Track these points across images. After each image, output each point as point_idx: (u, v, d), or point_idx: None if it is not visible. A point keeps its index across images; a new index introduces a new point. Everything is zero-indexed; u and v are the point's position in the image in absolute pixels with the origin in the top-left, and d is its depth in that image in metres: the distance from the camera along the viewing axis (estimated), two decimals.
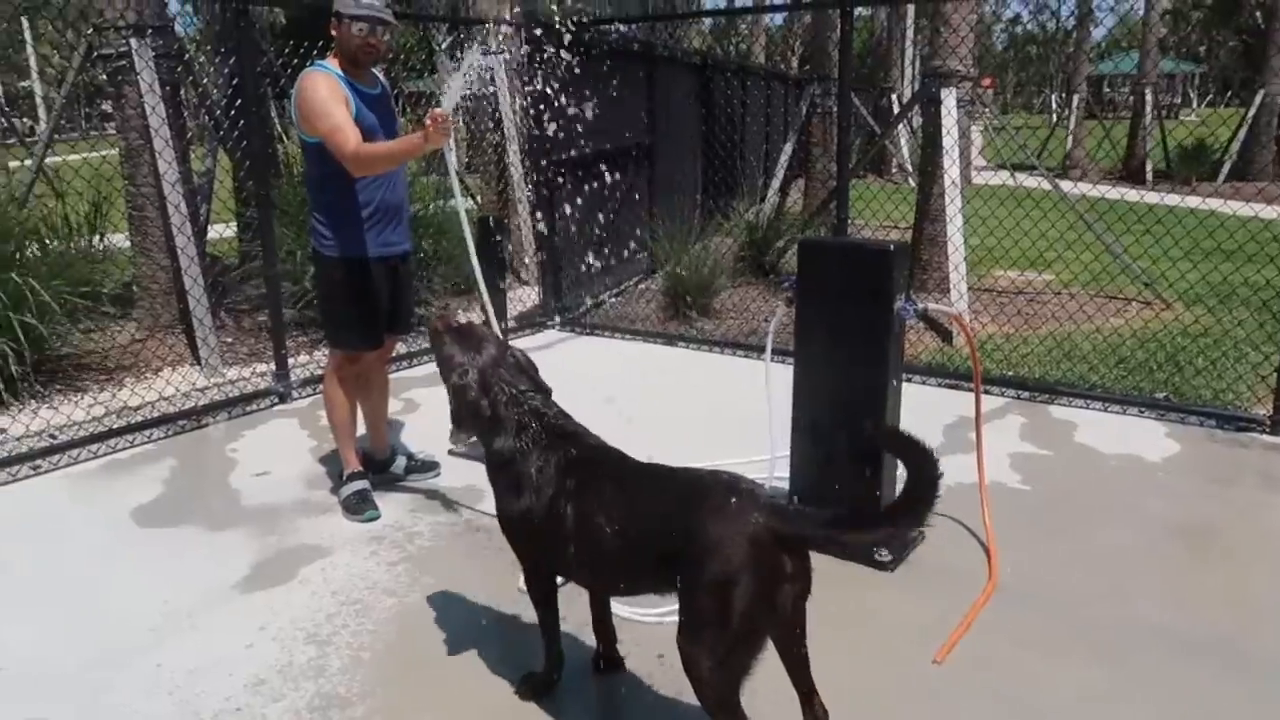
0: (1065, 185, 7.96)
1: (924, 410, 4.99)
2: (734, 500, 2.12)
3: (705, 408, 5.13)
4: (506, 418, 2.50)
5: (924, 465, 2.07)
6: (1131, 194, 13.31)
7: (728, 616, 2.07)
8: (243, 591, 3.32)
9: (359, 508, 3.87)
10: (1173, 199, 7.67)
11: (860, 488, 3.49)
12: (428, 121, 3.31)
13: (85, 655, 2.93)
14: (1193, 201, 7.15)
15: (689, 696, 2.24)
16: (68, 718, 2.65)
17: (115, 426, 4.83)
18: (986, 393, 5.42)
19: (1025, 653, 2.91)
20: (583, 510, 2.34)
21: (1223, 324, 6.71)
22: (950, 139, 6.89)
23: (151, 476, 4.35)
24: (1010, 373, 5.75)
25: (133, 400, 5.27)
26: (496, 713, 2.64)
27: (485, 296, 3.76)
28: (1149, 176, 18.81)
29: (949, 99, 6.84)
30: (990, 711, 2.65)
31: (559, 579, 2.63)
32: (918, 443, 2.11)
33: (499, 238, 4.35)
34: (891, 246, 3.32)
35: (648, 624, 3.01)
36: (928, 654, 2.88)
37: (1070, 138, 21.38)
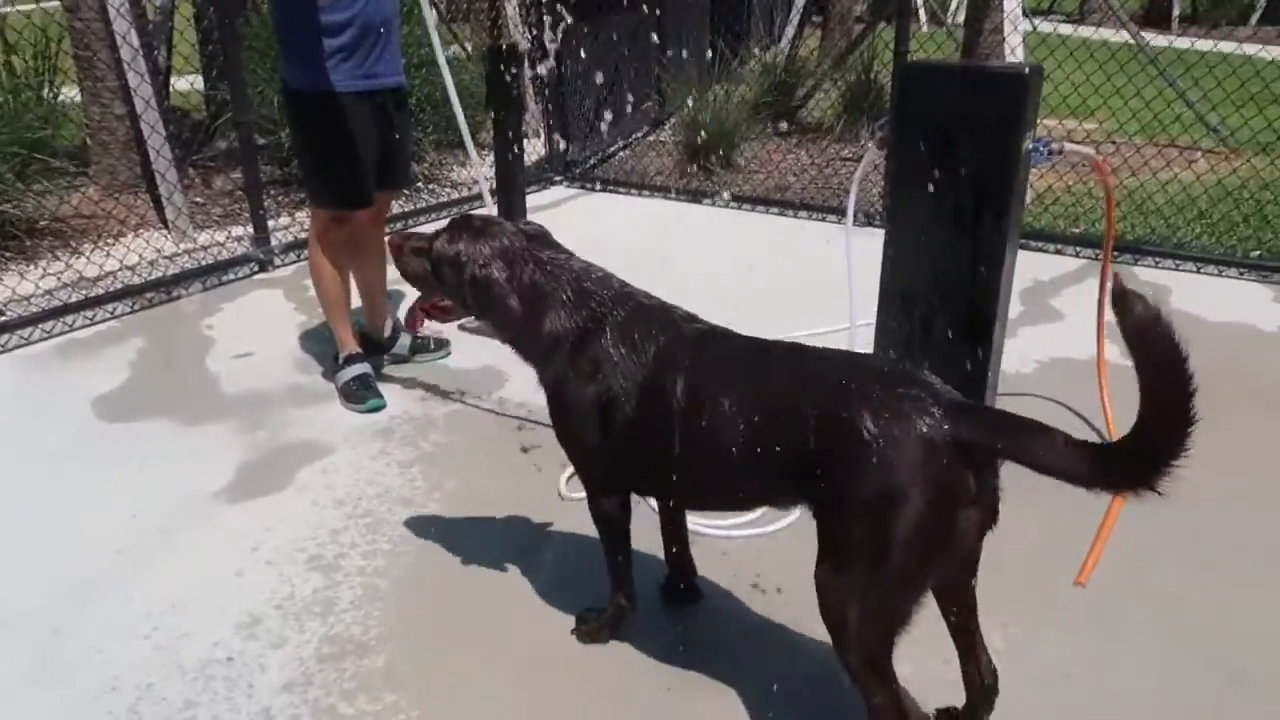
0: (1082, 30, 7.15)
1: None
2: (904, 391, 1.60)
3: (750, 271, 4.49)
4: (552, 292, 1.95)
5: (1173, 373, 1.41)
6: (1157, 39, 12.33)
7: (889, 548, 1.58)
8: (228, 502, 2.76)
9: (360, 395, 3.30)
10: (1202, 44, 6.93)
11: (963, 371, 2.93)
12: None
13: (42, 586, 2.39)
14: (1225, 47, 6.39)
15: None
16: (25, 666, 2.12)
17: (72, 301, 4.18)
18: (1059, 253, 4.87)
19: (1187, 573, 2.42)
20: (688, 399, 1.79)
21: None
22: None
23: (115, 359, 3.73)
24: (1080, 229, 5.13)
25: (91, 270, 4.58)
26: (550, 658, 2.14)
27: (470, 146, 3.05)
28: (1175, 21, 17.69)
29: None
30: (1150, 639, 2.17)
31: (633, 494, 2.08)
32: (1173, 338, 1.40)
33: (515, 71, 3.60)
34: (1027, 69, 2.63)
35: (725, 539, 2.48)
36: (1066, 573, 2.39)
37: None
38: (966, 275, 2.83)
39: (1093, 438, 2.99)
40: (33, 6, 7.40)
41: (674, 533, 2.21)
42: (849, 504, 1.61)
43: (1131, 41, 6.41)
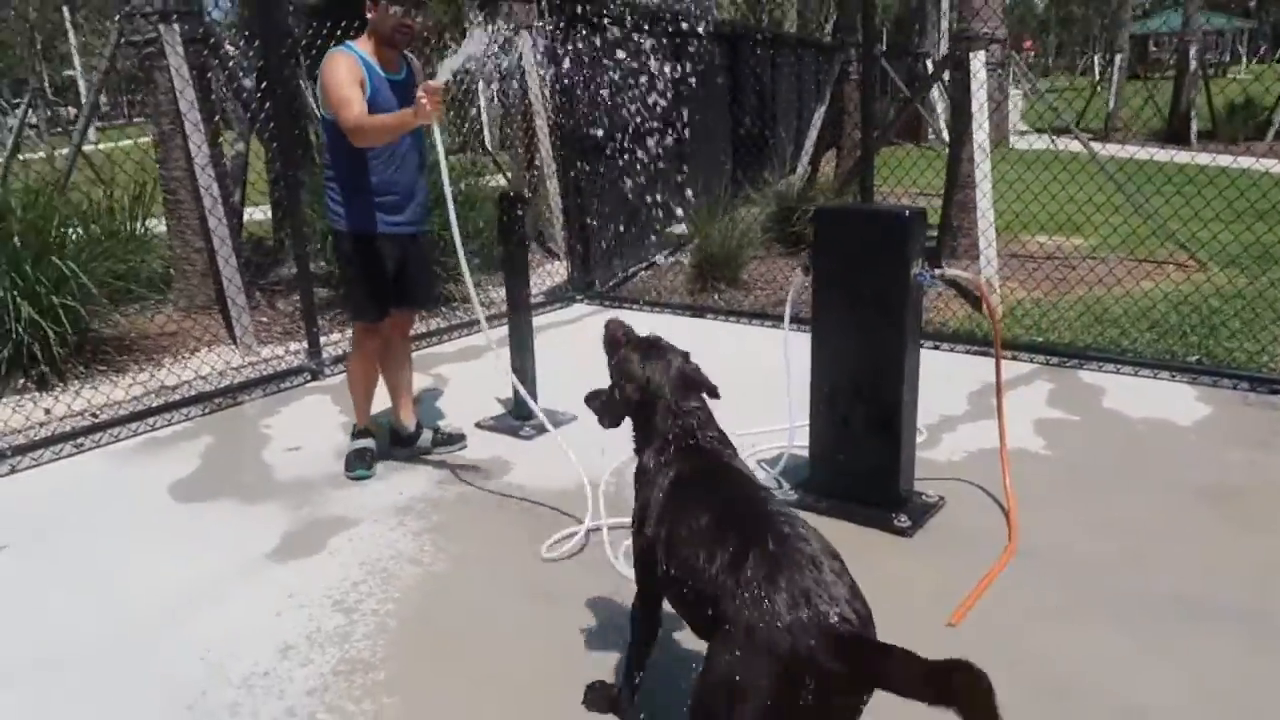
0: (1107, 148, 7.80)
1: (950, 377, 4.99)
2: (793, 611, 1.71)
3: (730, 377, 5.12)
4: (659, 430, 2.34)
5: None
6: (1175, 155, 12.96)
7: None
8: (274, 562, 3.42)
9: (352, 464, 4.09)
10: (1220, 159, 7.41)
11: (877, 457, 3.51)
12: (420, 94, 3.36)
13: (124, 624, 3.04)
14: (1244, 161, 6.90)
15: None
16: (108, 681, 2.76)
17: (153, 405, 4.97)
18: (1015, 359, 5.41)
19: (1042, 618, 2.92)
20: (669, 532, 2.14)
21: (1257, 285, 6.56)
22: (978, 103, 6.78)
23: (188, 452, 4.47)
24: (1040, 338, 5.69)
25: (170, 380, 5.41)
26: (518, 681, 2.71)
27: (467, 277, 3.70)
28: (1193, 136, 18.35)
29: (976, 63, 6.73)
30: (1006, 675, 2.64)
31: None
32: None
33: (520, 213, 4.38)
34: (908, 212, 3.30)
35: None
36: (943, 617, 2.90)
37: (1113, 99, 20.92)
38: (874, 377, 3.44)
39: (997, 512, 3.55)
40: (129, 142, 8.56)
41: None
42: (706, 671, 1.82)
43: (1141, 157, 6.89)
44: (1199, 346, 5.39)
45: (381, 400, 4.36)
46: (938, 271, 3.34)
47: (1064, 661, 2.70)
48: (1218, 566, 3.16)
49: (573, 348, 5.70)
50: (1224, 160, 6.85)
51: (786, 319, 3.82)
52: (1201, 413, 4.50)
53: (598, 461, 3.90)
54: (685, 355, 2.47)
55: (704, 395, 2.42)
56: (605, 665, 2.74)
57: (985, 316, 6.36)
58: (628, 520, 3.42)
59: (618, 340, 2.50)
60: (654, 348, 2.45)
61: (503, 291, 7.23)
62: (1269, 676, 2.61)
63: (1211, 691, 2.55)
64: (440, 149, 3.62)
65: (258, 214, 8.26)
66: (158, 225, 6.72)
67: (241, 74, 7.06)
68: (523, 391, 4.17)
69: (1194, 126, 18.67)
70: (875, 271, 3.33)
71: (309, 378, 5.48)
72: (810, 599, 1.72)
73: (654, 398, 2.35)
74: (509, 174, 9.55)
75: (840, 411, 3.56)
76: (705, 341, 6.25)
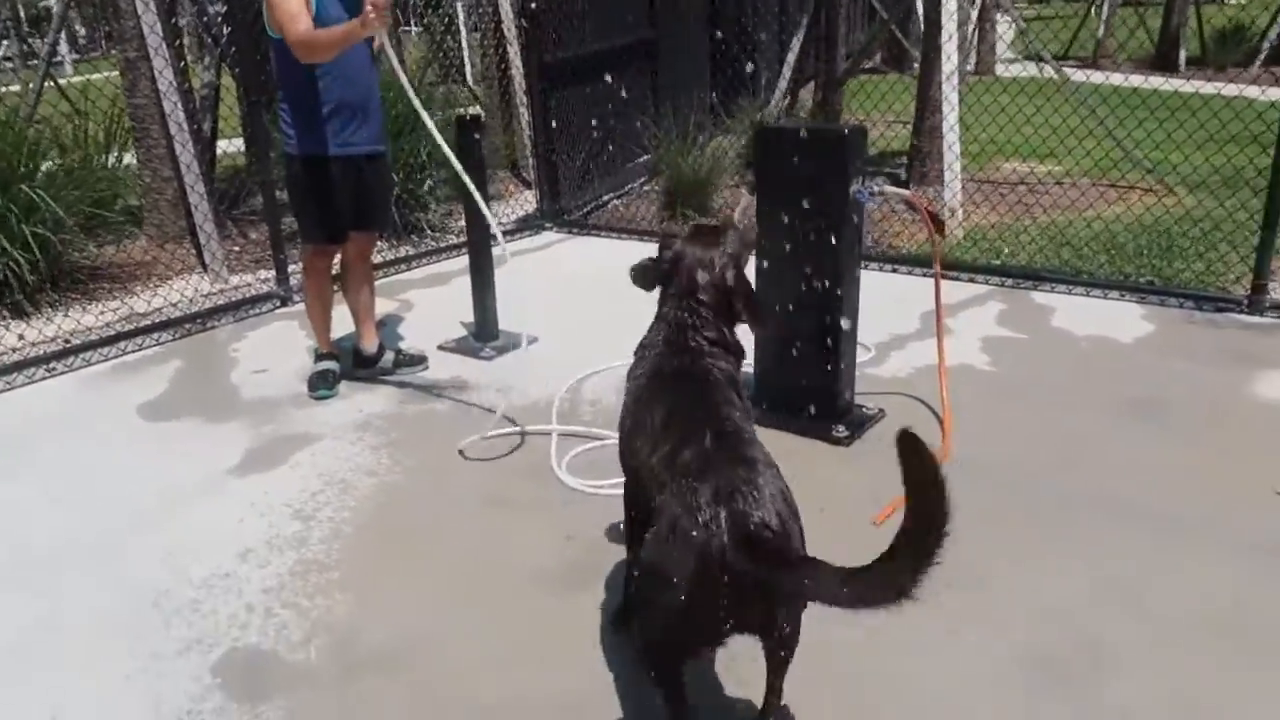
0: (1093, 76, 7.78)
1: (905, 298, 5.10)
2: (715, 511, 1.78)
3: None
4: (659, 315, 2.40)
5: (929, 495, 1.59)
6: (1161, 82, 12.88)
7: (647, 611, 1.95)
8: (236, 475, 3.55)
9: (315, 385, 4.21)
10: (1204, 87, 7.43)
11: (818, 371, 3.63)
12: (367, 6, 3.38)
13: (92, 531, 3.18)
14: (1227, 89, 6.91)
15: None
16: (78, 582, 2.91)
17: (124, 330, 5.06)
18: (971, 281, 5.53)
19: (965, 519, 3.04)
20: (629, 428, 2.23)
21: (1226, 208, 6.63)
22: (949, 27, 6.78)
23: (157, 376, 4.58)
24: (996, 261, 5.79)
25: (141, 307, 5.50)
26: (461, 576, 2.87)
27: (470, 186, 3.78)
28: (1182, 63, 18.20)
29: None
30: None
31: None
32: (929, 462, 1.59)
33: (478, 135, 4.42)
34: (847, 130, 3.37)
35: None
36: (870, 518, 3.05)
37: (1103, 25, 20.66)
38: (816, 294, 3.55)
39: (935, 424, 3.68)
40: (102, 76, 8.50)
41: None
42: (641, 555, 1.94)
43: (1125, 86, 6.86)
44: (1153, 269, 5.50)
45: (346, 324, 4.46)
46: (876, 189, 3.42)
47: (981, 556, 2.85)
48: (1137, 473, 3.31)
49: (539, 275, 5.79)
50: (1208, 88, 6.84)
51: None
52: (1145, 330, 4.63)
53: (556, 378, 4.03)
54: (737, 258, 2.38)
55: (732, 302, 2.33)
56: (546, 564, 2.90)
57: (946, 241, 6.45)
58: (578, 429, 3.60)
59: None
60: (713, 232, 2.40)
61: (461, 223, 7.34)
62: (1165, 568, 2.78)
63: (1110, 580, 2.72)
64: (395, 61, 3.63)
65: (235, 145, 8.25)
66: (132, 158, 6.73)
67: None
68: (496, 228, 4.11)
69: (1183, 53, 18.51)
70: (816, 189, 3.42)
71: (278, 304, 5.57)
72: (734, 498, 1.79)
73: (672, 277, 2.32)
74: (484, 103, 9.50)
75: (784, 330, 3.66)
76: None
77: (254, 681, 2.43)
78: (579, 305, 5.19)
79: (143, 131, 6.33)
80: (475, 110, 8.17)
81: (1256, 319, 4.67)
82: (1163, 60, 18.76)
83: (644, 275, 2.48)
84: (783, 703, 2.14)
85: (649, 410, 2.16)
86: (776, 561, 1.77)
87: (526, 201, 7.94)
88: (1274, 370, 4.08)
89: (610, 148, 8.19)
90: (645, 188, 8.62)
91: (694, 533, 1.78)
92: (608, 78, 7.93)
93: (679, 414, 2.09)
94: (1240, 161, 7.04)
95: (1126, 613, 2.57)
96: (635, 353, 2.40)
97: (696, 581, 1.77)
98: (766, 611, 1.86)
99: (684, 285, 2.34)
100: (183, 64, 6.52)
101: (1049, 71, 8.38)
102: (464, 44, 13.58)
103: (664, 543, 1.84)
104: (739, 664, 2.30)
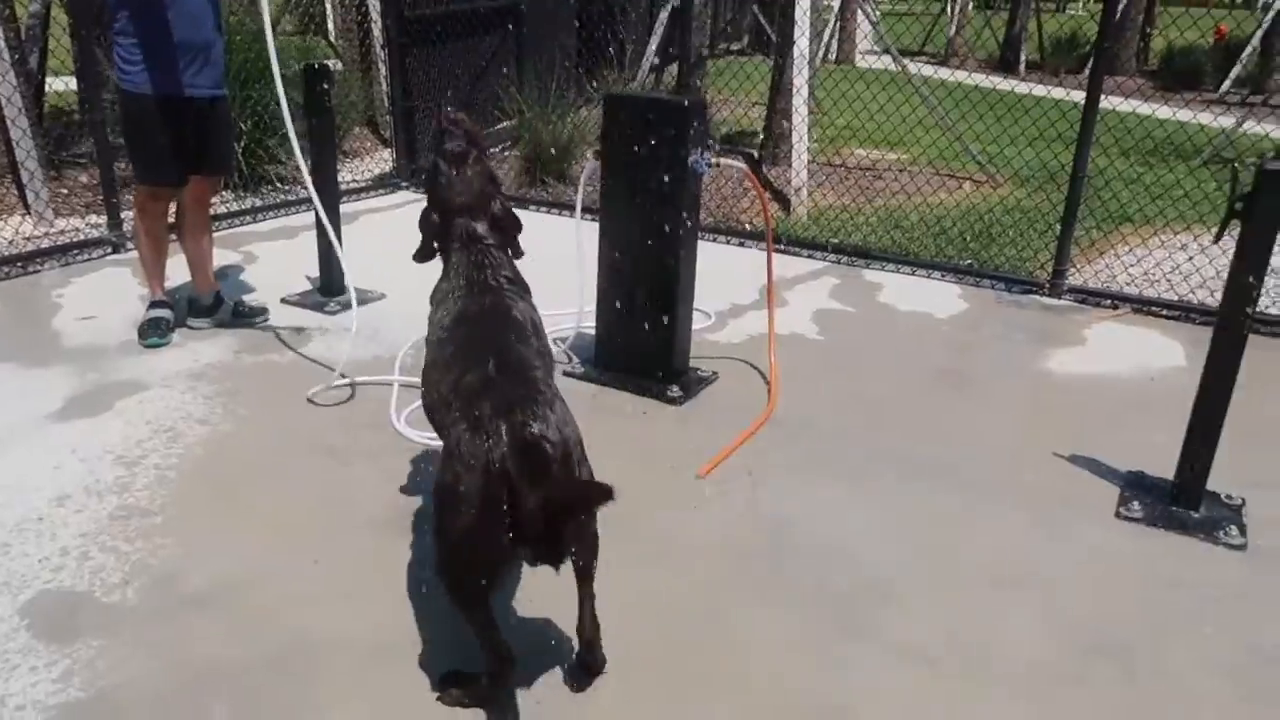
0: (942, 72, 8.23)
1: (749, 272, 5.33)
2: (495, 423, 1.87)
3: (540, 263, 5.31)
4: (450, 263, 2.52)
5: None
6: (1001, 81, 13.73)
7: (442, 532, 2.00)
8: (56, 421, 3.43)
9: (146, 332, 4.08)
10: (1036, 89, 7.99)
11: (655, 334, 3.78)
12: None
13: None
14: (1057, 93, 7.46)
15: None
16: None
17: None
18: (810, 257, 5.81)
19: (779, 472, 3.29)
20: (428, 363, 2.32)
21: (1034, 200, 7.17)
22: (801, 12, 7.04)
23: None
24: (835, 240, 6.10)
25: None
26: (289, 521, 2.88)
27: (295, 145, 3.74)
28: (1022, 66, 19.35)
29: None
30: (734, 514, 3.03)
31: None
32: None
33: (326, 87, 4.35)
34: (686, 101, 3.51)
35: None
36: (695, 470, 3.23)
37: (954, 25, 21.71)
38: (653, 259, 3.69)
39: (763, 386, 3.90)
40: None
41: None
42: (435, 481, 2.03)
43: (967, 83, 7.33)
44: (974, 252, 5.92)
45: (183, 273, 4.34)
46: (712, 160, 3.58)
47: (788, 504, 3.08)
48: (932, 432, 3.61)
49: (391, 232, 5.74)
50: (1039, 91, 7.39)
51: (579, 204, 4.01)
52: (960, 308, 5.00)
53: (401, 334, 4.04)
54: (501, 199, 2.57)
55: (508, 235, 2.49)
56: (375, 512, 2.94)
57: (794, 219, 6.75)
58: (419, 381, 3.63)
59: (443, 133, 2.56)
60: (465, 163, 2.51)
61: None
62: (943, 512, 3.07)
63: (900, 521, 3.00)
64: (264, 6, 3.50)
65: (65, 83, 7.75)
66: None
67: None
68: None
69: (1023, 57, 19.68)
70: (655, 157, 3.55)
71: (109, 250, 5.33)
72: (514, 411, 1.88)
73: (450, 226, 2.43)
74: (343, 57, 9.26)
75: (623, 290, 3.80)
76: (526, 230, 6.40)
77: (65, 622, 2.40)
78: (428, 264, 5.18)
79: None
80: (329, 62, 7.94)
81: (1055, 301, 5.11)
82: (1006, 62, 19.93)
83: (422, 243, 2.60)
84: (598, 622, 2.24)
85: (444, 348, 2.25)
86: (556, 471, 1.86)
87: (383, 159, 7.82)
88: (1065, 347, 4.50)
89: (471, 111, 8.12)
90: (506, 153, 8.61)
91: (476, 443, 1.86)
92: (471, 40, 7.87)
93: (470, 345, 2.18)
94: (1066, 159, 7.59)
95: (918, 557, 2.83)
96: (431, 299, 2.47)
97: (481, 492, 1.83)
98: (552, 522, 1.85)
99: (469, 231, 2.47)
100: None
101: (912, 66, 8.86)
102: None
103: (450, 458, 1.93)
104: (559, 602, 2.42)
